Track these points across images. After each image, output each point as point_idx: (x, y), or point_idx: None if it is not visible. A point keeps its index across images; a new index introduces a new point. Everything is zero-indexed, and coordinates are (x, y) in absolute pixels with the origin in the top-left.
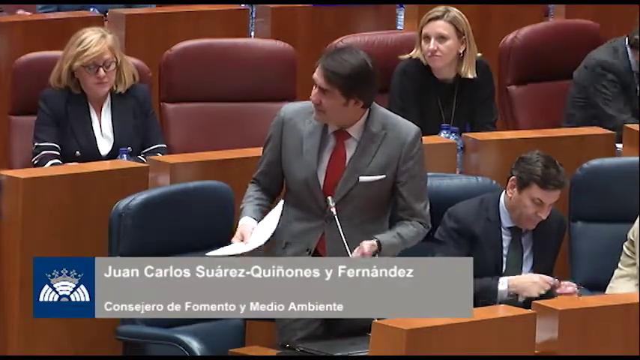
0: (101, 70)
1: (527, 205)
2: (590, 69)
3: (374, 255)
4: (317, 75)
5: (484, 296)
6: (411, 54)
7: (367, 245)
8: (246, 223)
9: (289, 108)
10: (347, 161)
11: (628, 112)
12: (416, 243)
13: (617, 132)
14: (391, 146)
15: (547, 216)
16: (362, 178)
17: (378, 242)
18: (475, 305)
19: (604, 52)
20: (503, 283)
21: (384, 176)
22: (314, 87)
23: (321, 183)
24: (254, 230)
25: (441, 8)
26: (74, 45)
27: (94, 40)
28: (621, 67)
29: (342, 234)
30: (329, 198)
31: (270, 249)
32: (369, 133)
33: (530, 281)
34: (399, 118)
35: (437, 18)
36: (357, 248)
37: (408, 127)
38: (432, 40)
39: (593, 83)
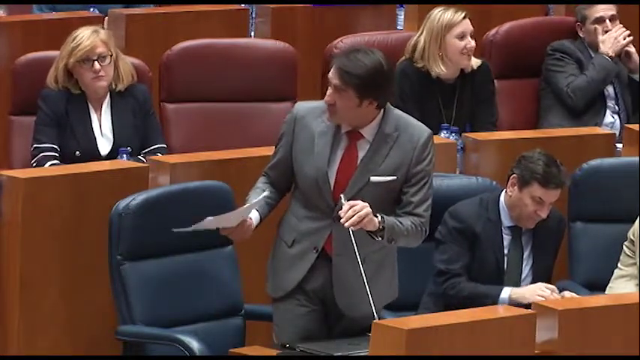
0: (96, 63)
1: (528, 203)
2: (545, 55)
3: (380, 230)
4: (332, 75)
5: (479, 303)
6: (414, 56)
7: (367, 209)
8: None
9: (302, 106)
10: (358, 161)
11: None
12: (414, 243)
13: (571, 99)
14: (403, 148)
15: (547, 215)
16: (373, 179)
17: (382, 217)
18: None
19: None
20: (505, 293)
21: (395, 177)
22: (328, 87)
23: (332, 183)
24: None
25: (455, 8)
26: (68, 43)
27: (86, 34)
28: (572, 47)
29: (350, 232)
30: (341, 195)
31: (274, 246)
32: (382, 134)
33: (531, 293)
34: (412, 119)
35: (466, 16)
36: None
37: (421, 129)
38: (469, 38)
39: (546, 66)
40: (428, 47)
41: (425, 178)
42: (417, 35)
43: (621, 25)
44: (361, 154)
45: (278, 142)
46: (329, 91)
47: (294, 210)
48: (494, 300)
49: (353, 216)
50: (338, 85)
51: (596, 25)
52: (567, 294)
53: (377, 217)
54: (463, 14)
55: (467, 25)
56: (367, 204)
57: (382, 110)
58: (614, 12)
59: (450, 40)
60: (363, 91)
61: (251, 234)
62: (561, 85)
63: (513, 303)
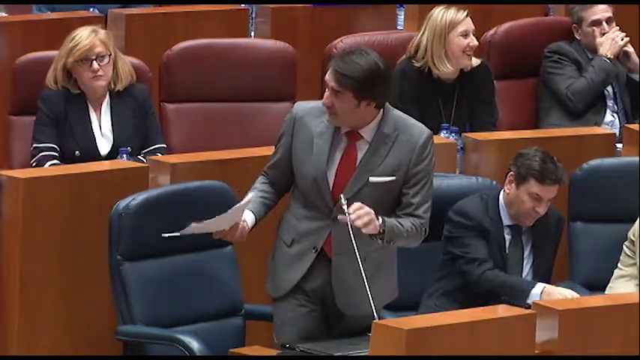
0: (94, 63)
1: (525, 200)
2: (543, 57)
3: (380, 233)
4: (328, 78)
5: (510, 293)
6: (415, 56)
7: (371, 213)
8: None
9: (302, 106)
10: (357, 162)
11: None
12: (413, 244)
13: (571, 102)
14: (403, 148)
15: (545, 212)
16: (372, 179)
17: (382, 220)
18: (495, 300)
19: (559, 42)
20: (538, 288)
21: (393, 178)
22: (326, 90)
23: (331, 183)
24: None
25: (456, 6)
26: (66, 43)
27: (84, 34)
28: (569, 48)
29: (351, 232)
30: (341, 195)
31: (274, 246)
32: (381, 134)
33: (563, 294)
34: (412, 120)
35: (468, 15)
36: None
37: (420, 130)
38: (472, 36)
39: (544, 68)
40: (431, 46)
41: (425, 179)
42: (420, 35)
43: (618, 27)
44: (360, 155)
45: (277, 142)
46: (326, 94)
47: (293, 210)
48: (526, 292)
49: (360, 216)
50: (335, 88)
51: (594, 28)
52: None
53: (378, 219)
54: (465, 12)
55: (470, 24)
56: (371, 209)
57: (381, 111)
58: (610, 14)
59: (454, 38)
60: (361, 93)
61: (246, 236)
62: (561, 87)
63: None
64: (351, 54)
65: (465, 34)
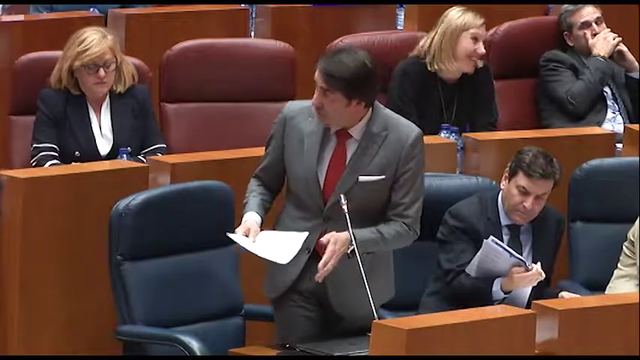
0: (101, 70)
1: (514, 193)
2: (539, 66)
3: (348, 248)
4: (317, 77)
5: (476, 297)
6: (418, 55)
7: (338, 239)
8: (250, 218)
9: (293, 106)
10: (347, 161)
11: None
12: (400, 245)
13: (572, 106)
14: (392, 147)
15: (534, 209)
16: (361, 178)
17: (353, 235)
18: (466, 305)
19: (553, 50)
20: (496, 285)
21: (383, 177)
22: (316, 90)
23: (321, 183)
24: (261, 234)
25: (473, 11)
26: (74, 45)
27: (96, 40)
28: (564, 54)
29: (350, 229)
30: (341, 195)
31: None
32: (370, 133)
33: (517, 277)
34: (402, 119)
35: (484, 23)
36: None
37: (410, 129)
38: (481, 43)
39: (541, 77)
40: (440, 42)
41: (414, 178)
42: (433, 34)
43: (609, 29)
44: (349, 154)
45: (268, 144)
46: (316, 94)
47: (287, 211)
48: (488, 290)
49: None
50: (324, 88)
51: (584, 30)
52: (566, 294)
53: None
54: (482, 20)
55: (483, 30)
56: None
57: (370, 109)
58: (599, 14)
59: (464, 39)
60: (350, 92)
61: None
62: (560, 92)
63: (507, 291)
64: (339, 53)
65: (475, 39)
